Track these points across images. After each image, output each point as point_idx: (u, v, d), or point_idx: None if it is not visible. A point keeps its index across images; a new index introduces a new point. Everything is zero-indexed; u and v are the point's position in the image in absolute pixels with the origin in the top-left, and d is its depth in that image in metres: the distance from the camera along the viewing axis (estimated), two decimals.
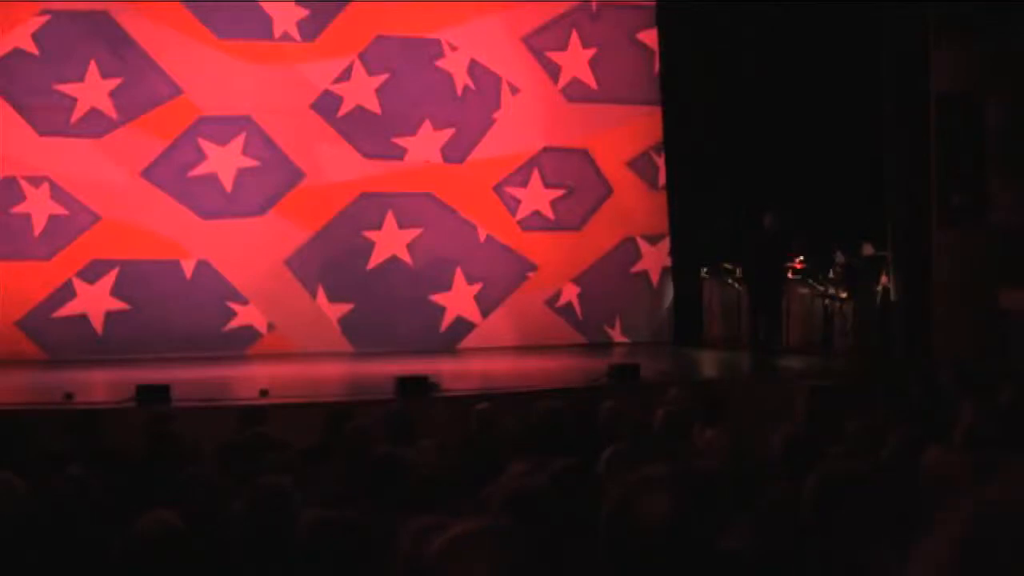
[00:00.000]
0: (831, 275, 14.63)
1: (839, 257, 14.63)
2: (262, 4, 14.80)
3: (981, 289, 13.31)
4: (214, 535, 4.41)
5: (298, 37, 14.92)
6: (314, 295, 14.89)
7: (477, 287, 15.41)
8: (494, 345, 15.16)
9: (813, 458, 4.89)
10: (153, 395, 10.09)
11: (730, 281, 15.36)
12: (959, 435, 6.14)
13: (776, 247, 13.81)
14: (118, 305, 14.31)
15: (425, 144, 15.29)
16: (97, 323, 14.28)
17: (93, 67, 14.29)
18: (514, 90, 15.62)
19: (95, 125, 14.32)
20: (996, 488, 0.91)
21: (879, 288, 14.36)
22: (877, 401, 8.27)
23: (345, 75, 15.04)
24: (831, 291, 14.48)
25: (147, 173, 14.44)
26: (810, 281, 14.73)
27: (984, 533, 0.88)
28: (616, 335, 15.89)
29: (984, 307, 13.27)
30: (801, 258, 14.49)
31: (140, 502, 4.52)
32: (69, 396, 10.39)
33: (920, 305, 14.16)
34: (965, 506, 0.92)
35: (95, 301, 14.27)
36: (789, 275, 14.49)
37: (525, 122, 15.66)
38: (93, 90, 14.30)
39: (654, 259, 16.12)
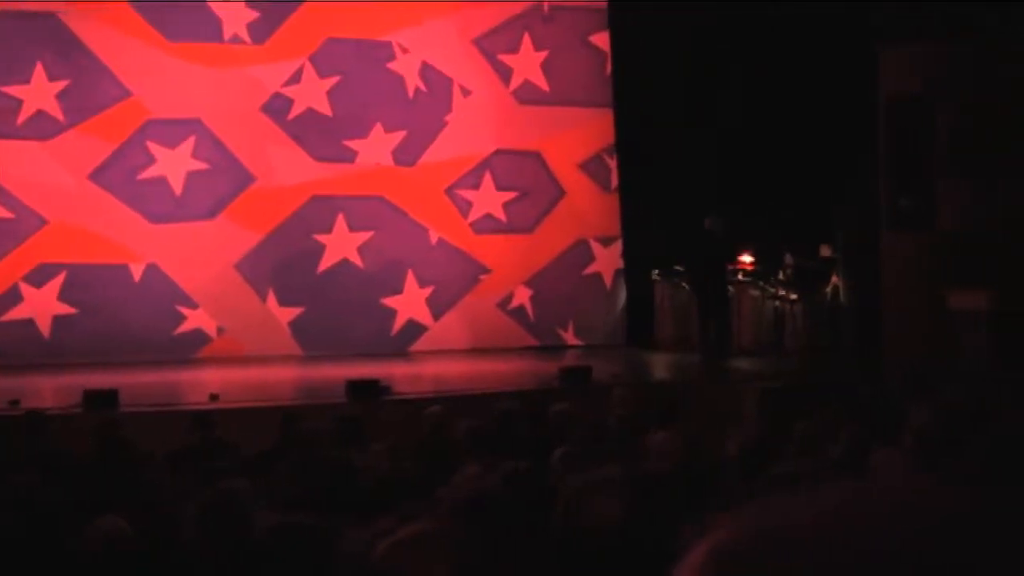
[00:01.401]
0: (781, 277, 14.72)
1: (788, 259, 14.73)
2: (212, 6, 14.69)
3: (930, 290, 13.43)
4: (167, 541, 4.37)
5: (248, 39, 14.83)
6: (264, 298, 14.80)
7: (429, 290, 15.38)
8: (446, 348, 15.12)
9: (764, 460, 4.91)
10: (101, 400, 9.99)
11: (681, 283, 15.41)
12: (908, 436, 6.19)
13: (720, 249, 13.87)
14: (65, 309, 14.14)
15: (376, 147, 15.24)
16: (44, 327, 14.12)
17: (39, 69, 14.13)
18: (466, 92, 15.60)
19: (42, 128, 14.15)
20: (719, 537, 0.93)
21: (828, 290, 14.48)
22: (827, 402, 8.32)
23: (296, 77, 14.96)
24: (781, 293, 14.57)
25: (95, 176, 14.30)
26: (760, 283, 14.80)
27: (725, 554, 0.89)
28: (569, 337, 15.90)
29: (933, 308, 13.40)
30: (750, 259, 14.56)
31: (90, 509, 4.47)
32: (15, 402, 10.26)
33: (869, 306, 14.29)
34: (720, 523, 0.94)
35: (42, 305, 14.10)
36: (739, 277, 14.56)
37: (477, 124, 15.64)
38: (40, 92, 14.14)
39: (607, 261, 16.15)
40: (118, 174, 14.35)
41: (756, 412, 10.81)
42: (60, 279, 14.16)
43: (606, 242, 16.12)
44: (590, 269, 16.10)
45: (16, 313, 14.05)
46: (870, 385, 8.63)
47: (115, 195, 14.33)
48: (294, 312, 14.86)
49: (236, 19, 14.77)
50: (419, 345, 15.28)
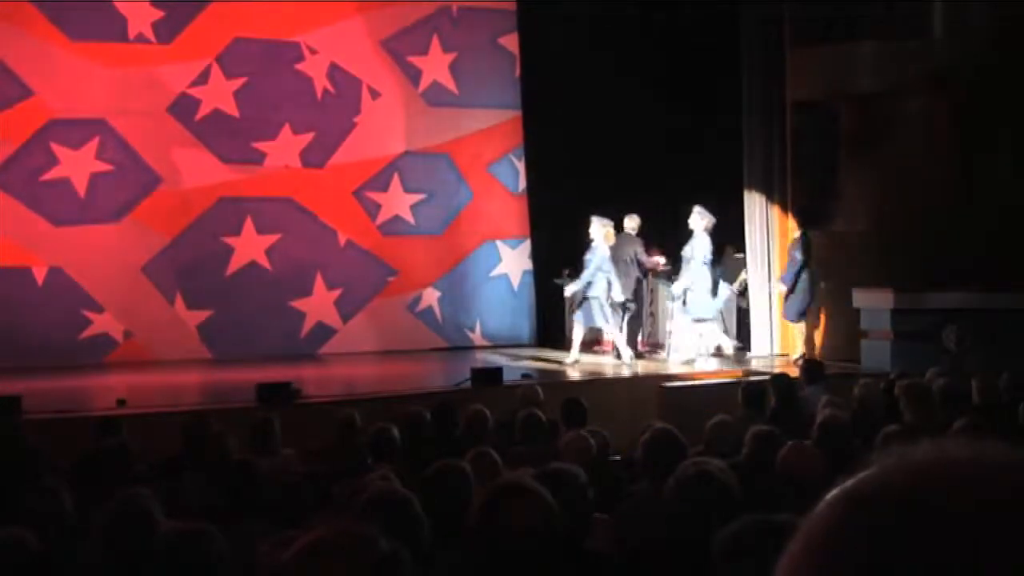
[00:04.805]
0: None
1: None
2: (117, 5, 14.46)
3: (836, 289, 13.65)
4: (71, 552, 4.30)
5: (154, 39, 14.62)
6: (172, 302, 14.61)
7: (337, 292, 15.30)
8: (355, 350, 15.06)
9: (674, 457, 4.95)
10: (3, 406, 9.78)
11: None
12: (814, 430, 6.30)
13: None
14: None
15: (284, 148, 15.12)
16: None
17: None
18: (375, 94, 15.55)
19: None
20: (857, 481, 0.92)
21: (737, 288, 14.65)
22: (737, 399, 8.42)
23: (202, 78, 14.79)
24: None
25: None
26: (670, 281, 14.92)
27: (851, 528, 0.88)
28: (478, 338, 15.93)
29: (838, 307, 13.62)
30: (662, 260, 14.67)
31: None
32: None
33: (776, 304, 14.49)
34: (830, 503, 0.92)
35: None
36: (651, 276, 14.67)
37: (386, 126, 15.60)
38: None
39: (515, 262, 16.21)
40: (19, 175, 14.06)
41: (666, 410, 10.90)
42: None
43: (514, 243, 16.18)
44: (498, 270, 16.14)
45: None
46: (776, 381, 8.74)
47: (16, 197, 14.03)
48: (202, 315, 14.70)
49: (141, 18, 14.56)
50: (328, 347, 15.21)
